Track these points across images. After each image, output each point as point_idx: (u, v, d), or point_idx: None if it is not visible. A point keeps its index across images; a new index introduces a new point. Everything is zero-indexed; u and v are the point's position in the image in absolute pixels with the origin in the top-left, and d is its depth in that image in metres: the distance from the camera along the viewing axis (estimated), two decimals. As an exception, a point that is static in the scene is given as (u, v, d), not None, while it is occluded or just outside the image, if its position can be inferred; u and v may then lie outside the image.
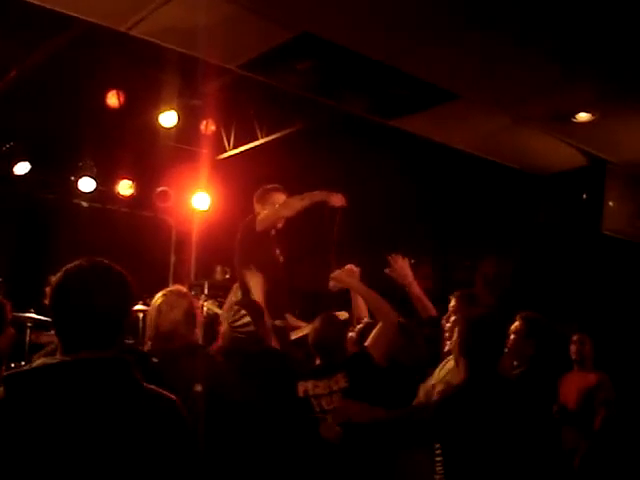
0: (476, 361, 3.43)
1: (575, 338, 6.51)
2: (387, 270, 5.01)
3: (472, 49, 5.26)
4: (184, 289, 4.04)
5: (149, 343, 3.88)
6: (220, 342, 4.47)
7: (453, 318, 4.26)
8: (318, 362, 4.37)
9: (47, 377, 2.00)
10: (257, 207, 5.68)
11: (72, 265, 2.11)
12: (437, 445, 3.64)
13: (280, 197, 5.66)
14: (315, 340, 4.33)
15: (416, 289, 4.92)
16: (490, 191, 7.95)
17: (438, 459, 3.66)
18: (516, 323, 4.47)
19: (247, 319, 4.23)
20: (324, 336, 4.32)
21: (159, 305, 3.75)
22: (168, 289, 3.90)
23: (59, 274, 2.11)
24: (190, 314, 3.78)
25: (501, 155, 7.68)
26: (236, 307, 4.34)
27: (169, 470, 2.04)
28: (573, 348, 6.48)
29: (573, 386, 6.23)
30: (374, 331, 4.31)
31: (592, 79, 5.65)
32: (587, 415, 6.10)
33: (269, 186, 5.73)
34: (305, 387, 4.20)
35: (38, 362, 2.04)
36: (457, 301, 4.43)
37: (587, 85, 5.76)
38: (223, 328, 4.40)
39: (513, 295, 7.34)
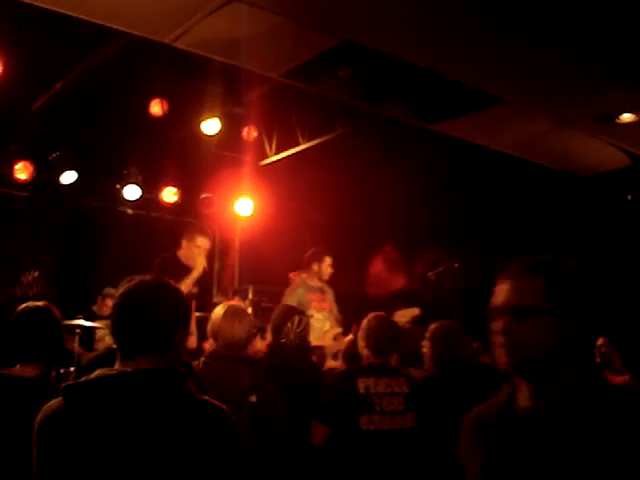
0: None
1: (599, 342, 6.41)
2: None
3: (514, 54, 5.26)
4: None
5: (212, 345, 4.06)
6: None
7: None
8: (375, 361, 4.34)
9: (105, 388, 2.07)
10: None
11: (132, 282, 2.25)
12: None
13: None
14: (373, 339, 4.33)
15: None
16: (533, 193, 7.89)
17: None
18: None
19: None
20: (381, 336, 4.32)
21: (229, 315, 3.90)
22: (230, 304, 4.13)
23: (119, 291, 2.25)
24: (251, 330, 4.07)
25: (544, 157, 7.62)
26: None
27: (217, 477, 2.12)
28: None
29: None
30: None
31: (635, 79, 5.59)
32: None
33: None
34: (367, 383, 4.17)
35: (97, 373, 2.11)
36: None
37: (630, 85, 5.71)
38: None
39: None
